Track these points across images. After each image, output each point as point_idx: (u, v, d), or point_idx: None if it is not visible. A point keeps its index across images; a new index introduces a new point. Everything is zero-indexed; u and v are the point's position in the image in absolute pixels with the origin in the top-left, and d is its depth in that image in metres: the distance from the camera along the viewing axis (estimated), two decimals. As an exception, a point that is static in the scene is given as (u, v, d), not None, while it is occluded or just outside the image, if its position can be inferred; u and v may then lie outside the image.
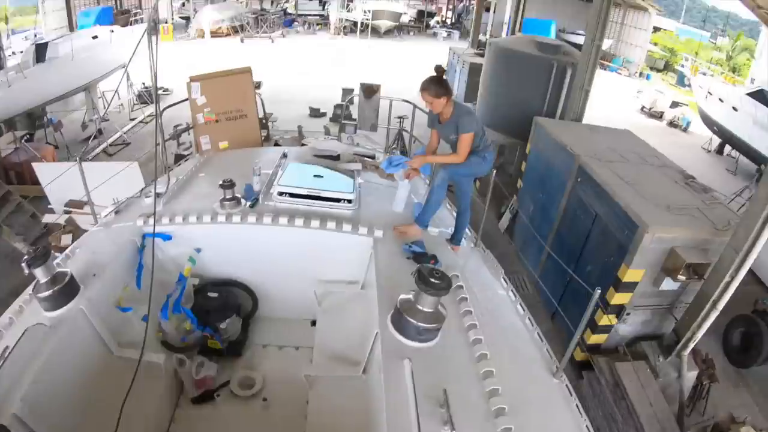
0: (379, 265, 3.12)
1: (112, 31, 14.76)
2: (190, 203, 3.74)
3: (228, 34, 29.87)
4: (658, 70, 37.94)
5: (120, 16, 26.36)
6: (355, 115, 14.59)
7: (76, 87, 12.90)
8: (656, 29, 41.94)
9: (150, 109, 14.07)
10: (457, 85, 15.09)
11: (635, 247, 5.63)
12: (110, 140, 12.17)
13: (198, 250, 3.55)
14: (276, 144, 5.74)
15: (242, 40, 28.54)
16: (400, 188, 3.79)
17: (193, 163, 4.76)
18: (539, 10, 35.78)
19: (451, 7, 50.88)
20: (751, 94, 16.59)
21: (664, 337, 6.40)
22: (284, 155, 4.43)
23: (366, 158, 4.58)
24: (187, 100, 5.36)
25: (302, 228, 3.38)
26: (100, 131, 12.23)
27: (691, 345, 5.98)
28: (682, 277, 5.71)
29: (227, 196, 3.52)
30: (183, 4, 37.37)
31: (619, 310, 6.13)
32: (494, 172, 4.30)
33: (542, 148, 8.28)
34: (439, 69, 3.88)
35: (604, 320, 6.16)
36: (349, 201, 3.62)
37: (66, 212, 6.67)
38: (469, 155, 3.95)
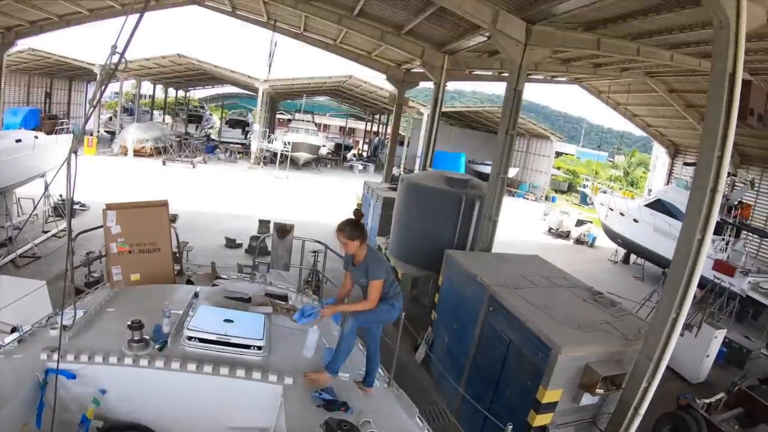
0: (288, 414, 3.04)
1: (37, 137, 14.00)
2: (97, 340, 3.53)
3: (151, 155, 30.03)
4: (562, 192, 41.49)
5: (47, 121, 26.04)
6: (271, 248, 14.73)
7: None
8: (558, 154, 46.35)
9: (64, 224, 13.48)
10: (371, 218, 15.59)
11: (550, 368, 5.80)
12: (20, 251, 11.48)
13: (103, 391, 3.31)
14: (188, 281, 5.59)
15: (164, 163, 28.56)
16: (310, 334, 3.79)
17: (103, 294, 4.55)
18: (450, 143, 38.72)
19: (367, 140, 53.56)
20: (650, 205, 18.34)
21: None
22: (195, 295, 4.37)
23: (278, 300, 4.57)
24: (101, 227, 5.25)
25: (211, 375, 3.28)
26: (10, 239, 11.53)
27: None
28: (600, 391, 5.93)
29: (135, 338, 3.36)
30: (110, 118, 37.59)
31: (542, 431, 6.11)
32: (402, 315, 4.49)
33: (454, 280, 8.61)
34: (357, 213, 4.21)
35: (527, 442, 6.16)
36: (259, 348, 3.56)
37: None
38: (378, 302, 4.12)
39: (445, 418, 8.09)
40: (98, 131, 31.40)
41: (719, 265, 14.57)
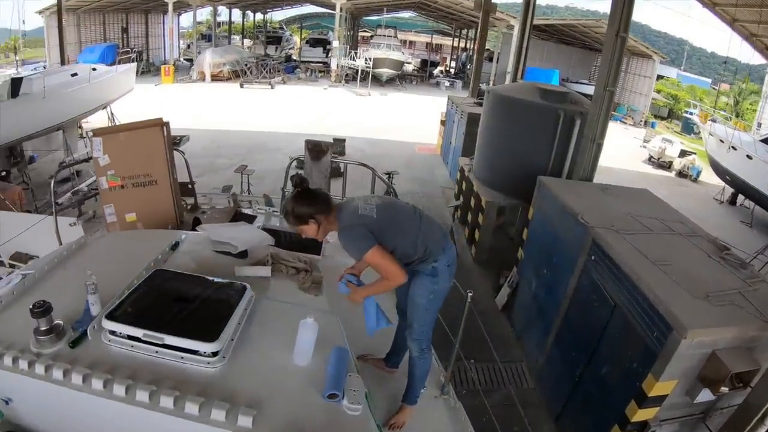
0: None
1: (94, 69, 14.21)
2: (17, 324, 2.36)
3: (229, 78, 29.76)
4: (662, 118, 37.40)
5: (124, 56, 26.20)
6: (343, 169, 13.70)
7: (48, 126, 12.20)
8: (659, 77, 41.58)
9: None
10: (455, 137, 14.06)
11: (667, 354, 4.25)
12: (83, 185, 11.25)
13: (7, 401, 2.26)
14: (196, 220, 4.37)
15: (242, 85, 28.35)
16: (303, 331, 2.20)
17: (74, 245, 3.35)
18: (542, 58, 35.49)
19: (454, 57, 51.07)
20: (767, 141, 15.56)
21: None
22: (174, 246, 3.06)
23: (290, 257, 3.12)
24: (88, 159, 4.19)
25: (123, 402, 1.95)
26: (76, 174, 11.32)
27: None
28: (724, 389, 4.35)
29: (42, 328, 2.20)
30: (188, 46, 37.68)
31: (642, 427, 4.72)
32: (470, 296, 3.04)
33: (548, 214, 6.98)
34: (297, 180, 2.73)
35: (624, 440, 4.77)
36: (214, 354, 2.10)
37: (10, 266, 5.54)
38: (415, 271, 2.76)
39: (524, 380, 6.88)
40: (179, 59, 31.33)
41: None
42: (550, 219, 6.91)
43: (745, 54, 23.51)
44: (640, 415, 4.61)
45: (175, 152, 4.48)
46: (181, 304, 2.30)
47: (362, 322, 2.74)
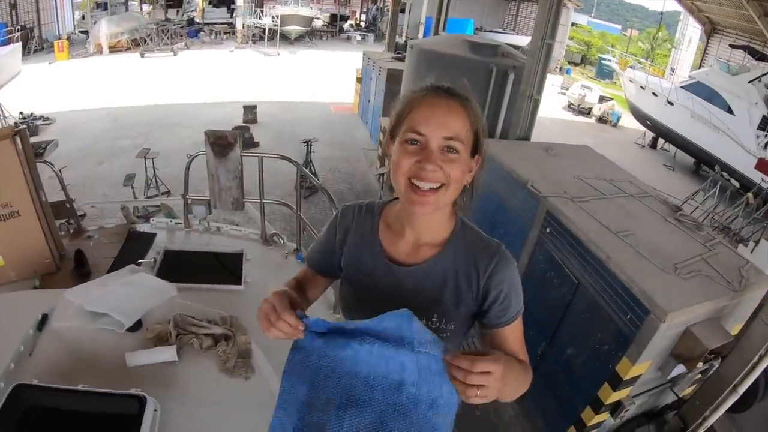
0: None
1: None
2: None
3: (128, 48, 27.09)
4: (575, 64, 38.34)
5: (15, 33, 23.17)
6: (257, 138, 12.56)
7: None
8: (572, 24, 42.67)
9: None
10: (374, 95, 13.25)
11: (645, 339, 3.87)
12: None
13: None
14: (78, 256, 3.38)
15: (142, 55, 25.90)
16: None
17: None
18: (454, 8, 34.85)
19: (364, 9, 49.79)
20: (687, 87, 15.91)
21: (664, 420, 4.94)
22: (41, 323, 2.13)
23: (202, 317, 2.19)
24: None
25: None
26: None
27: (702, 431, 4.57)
28: (699, 365, 4.10)
29: None
30: (83, 17, 33.92)
31: (616, 407, 4.41)
32: None
33: (490, 181, 6.43)
34: None
35: (596, 419, 4.46)
36: None
37: None
38: None
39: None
40: (74, 32, 28.40)
41: (763, 165, 12.29)
42: (493, 186, 6.35)
43: (655, 2, 24.64)
44: (614, 396, 4.31)
45: (42, 165, 3.50)
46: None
47: None
